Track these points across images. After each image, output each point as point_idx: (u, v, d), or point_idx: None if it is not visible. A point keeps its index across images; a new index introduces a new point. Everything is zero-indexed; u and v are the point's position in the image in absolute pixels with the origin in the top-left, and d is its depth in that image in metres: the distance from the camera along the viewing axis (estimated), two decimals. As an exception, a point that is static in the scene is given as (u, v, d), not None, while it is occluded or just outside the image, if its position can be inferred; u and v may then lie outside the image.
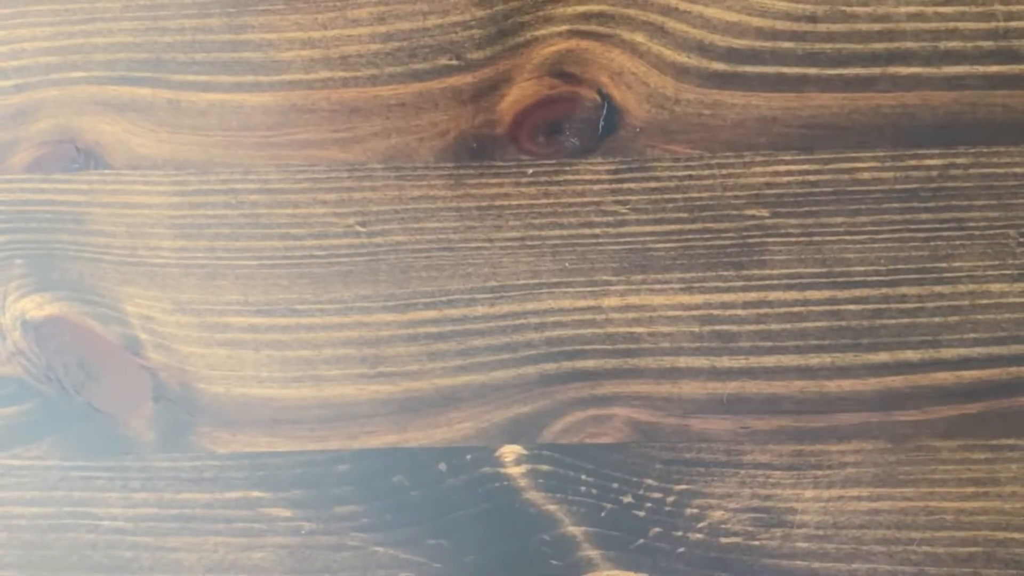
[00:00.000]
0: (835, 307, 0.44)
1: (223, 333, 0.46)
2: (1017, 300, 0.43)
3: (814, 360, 0.44)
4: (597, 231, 0.44)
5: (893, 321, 0.44)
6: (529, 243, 0.44)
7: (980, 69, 0.42)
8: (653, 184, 0.44)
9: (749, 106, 0.43)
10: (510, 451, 0.45)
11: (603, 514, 0.45)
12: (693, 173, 0.44)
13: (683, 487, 0.45)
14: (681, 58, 0.43)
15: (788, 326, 0.44)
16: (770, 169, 0.43)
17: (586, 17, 0.43)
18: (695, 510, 0.45)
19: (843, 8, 0.42)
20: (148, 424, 0.47)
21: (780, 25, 0.43)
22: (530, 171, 0.44)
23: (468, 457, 0.46)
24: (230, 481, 0.47)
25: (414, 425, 0.46)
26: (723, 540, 0.45)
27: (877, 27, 0.42)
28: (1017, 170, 0.43)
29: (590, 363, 0.45)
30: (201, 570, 0.47)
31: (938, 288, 0.44)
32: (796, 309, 0.44)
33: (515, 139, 0.44)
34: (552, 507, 0.46)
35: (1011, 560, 0.44)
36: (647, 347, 0.45)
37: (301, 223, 0.45)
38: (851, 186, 0.43)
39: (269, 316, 0.46)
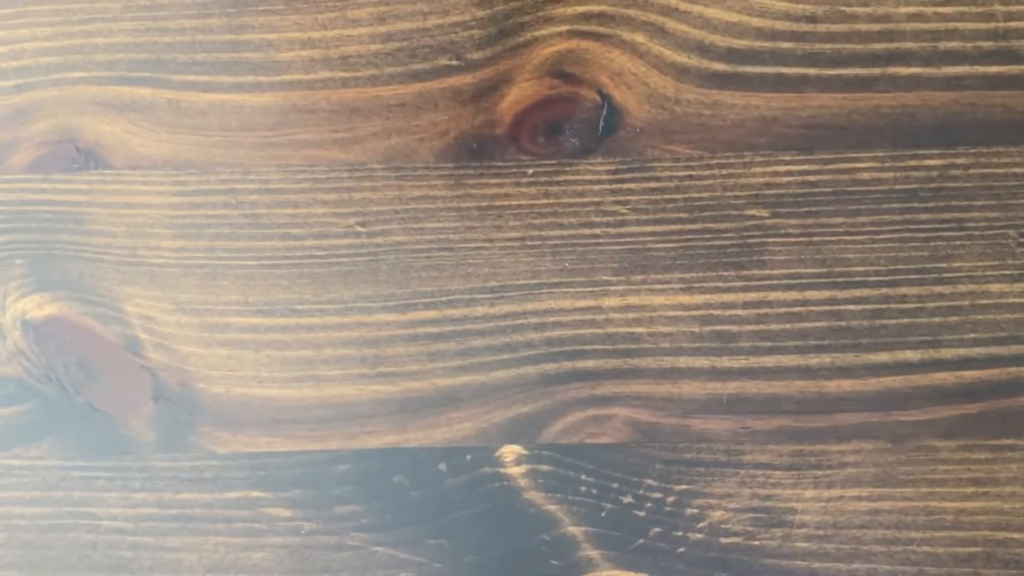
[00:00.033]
0: (835, 307, 0.44)
1: (223, 333, 0.46)
2: (1017, 300, 0.43)
3: (814, 360, 0.44)
4: (597, 231, 0.44)
5: (893, 321, 0.44)
6: (529, 243, 0.44)
7: (980, 69, 0.42)
8: (653, 184, 0.44)
9: (749, 106, 0.43)
10: (510, 451, 0.45)
11: (603, 514, 0.45)
12: (693, 173, 0.44)
13: (683, 487, 0.45)
14: (681, 58, 0.43)
15: (788, 326, 0.44)
16: (770, 169, 0.43)
17: (586, 17, 0.43)
18: (695, 510, 0.45)
19: (843, 8, 0.43)
20: (148, 424, 0.47)
21: (780, 25, 0.43)
22: (530, 171, 0.44)
23: (468, 457, 0.46)
24: (230, 481, 0.47)
25: (414, 425, 0.46)
26: (723, 540, 0.45)
27: (877, 27, 0.43)
28: (1017, 170, 0.43)
29: (590, 363, 0.45)
30: (201, 570, 0.47)
31: (938, 288, 0.44)
32: (796, 309, 0.44)
33: (515, 139, 0.44)
34: (552, 507, 0.46)
35: (1011, 560, 0.44)
36: (647, 347, 0.45)
37: (301, 223, 0.45)
38: (851, 186, 0.43)
39: (269, 316, 0.46)
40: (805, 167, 0.43)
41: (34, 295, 0.46)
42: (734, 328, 0.44)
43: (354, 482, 0.46)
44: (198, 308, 0.46)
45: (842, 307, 0.44)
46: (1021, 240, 0.43)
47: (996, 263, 0.43)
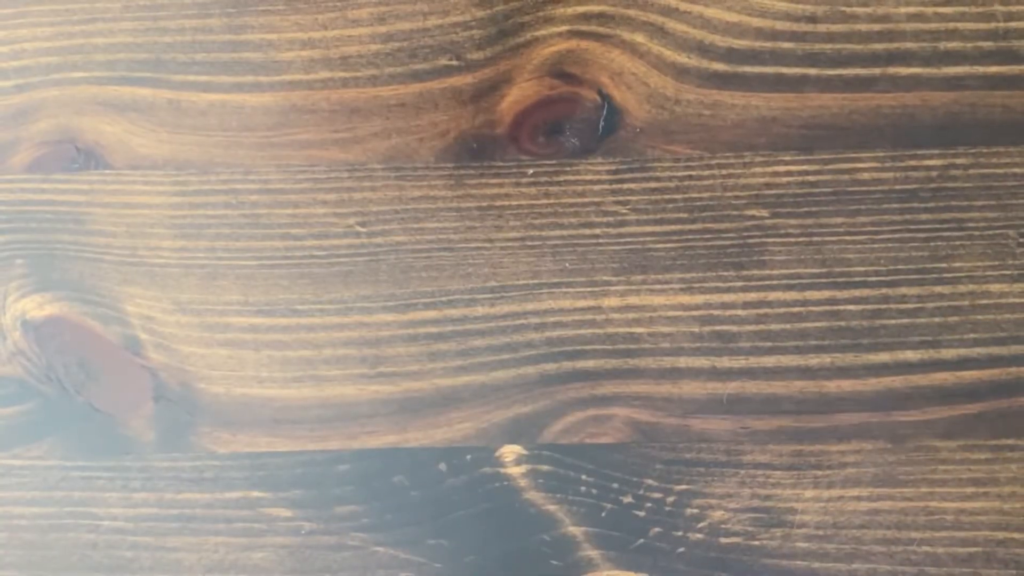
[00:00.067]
0: (835, 307, 0.44)
1: (223, 333, 0.46)
2: (1017, 300, 0.43)
3: (814, 360, 0.44)
4: (597, 231, 0.44)
5: (893, 321, 0.44)
6: (529, 243, 0.44)
7: (980, 69, 0.42)
8: (653, 184, 0.44)
9: (749, 106, 0.43)
10: (510, 451, 0.45)
11: (603, 514, 0.45)
12: (693, 173, 0.44)
13: (683, 487, 0.45)
14: (681, 58, 0.43)
15: (788, 326, 0.44)
16: (770, 169, 0.43)
17: (586, 17, 0.43)
18: (695, 510, 0.45)
19: (843, 8, 0.43)
20: (148, 424, 0.47)
21: (780, 25, 0.43)
22: (530, 171, 0.44)
23: (468, 457, 0.46)
24: (230, 481, 0.47)
25: (414, 425, 0.46)
26: (723, 540, 0.45)
27: (877, 27, 0.43)
28: (1017, 170, 0.43)
29: (590, 363, 0.45)
30: (201, 570, 0.47)
31: (938, 288, 0.44)
32: (796, 309, 0.44)
33: (515, 139, 0.44)
34: (552, 507, 0.46)
35: (1011, 560, 0.44)
36: (647, 347, 0.45)
37: (301, 223, 0.45)
38: (851, 186, 0.43)
39: (269, 316, 0.46)
40: (805, 167, 0.43)
41: (34, 295, 0.46)
42: (734, 328, 0.44)
43: (354, 482, 0.46)
44: (198, 308, 0.46)
45: (842, 307, 0.44)
46: (1021, 240, 0.43)
47: (996, 263, 0.43)
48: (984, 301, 0.43)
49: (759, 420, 0.45)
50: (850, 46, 0.43)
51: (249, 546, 0.47)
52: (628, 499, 0.45)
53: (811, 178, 0.43)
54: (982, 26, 0.42)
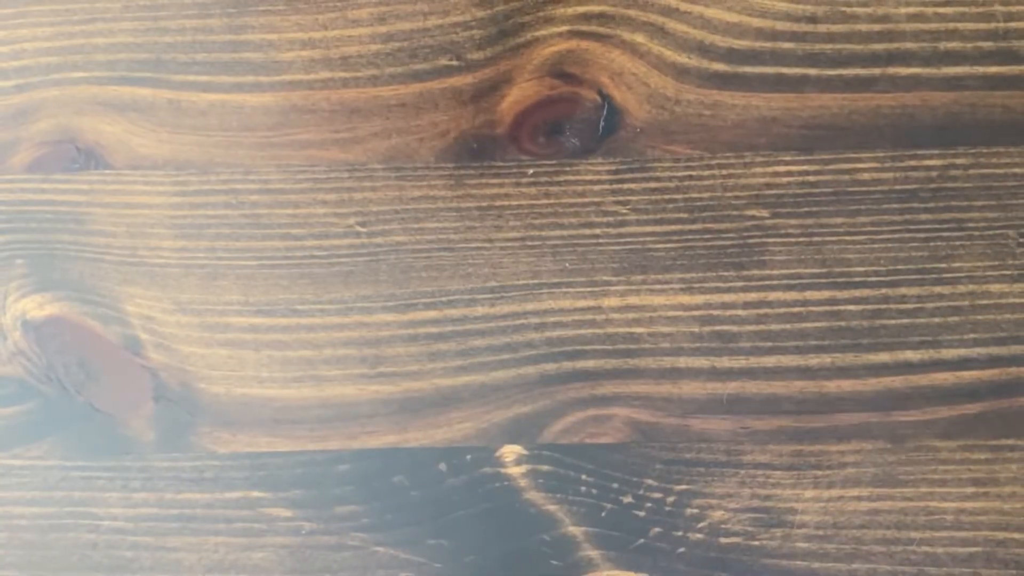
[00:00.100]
0: (835, 307, 0.44)
1: (224, 333, 0.46)
2: (1017, 300, 0.43)
3: (814, 360, 0.44)
4: (597, 231, 0.44)
5: (893, 321, 0.44)
6: (529, 243, 0.44)
7: (980, 70, 0.42)
8: (653, 184, 0.44)
9: (749, 107, 0.43)
10: (510, 451, 0.45)
11: (603, 514, 0.45)
12: (693, 173, 0.44)
13: (683, 487, 0.45)
14: (681, 59, 0.43)
15: (788, 326, 0.44)
16: (770, 170, 0.43)
17: (586, 18, 0.43)
18: (695, 510, 0.45)
19: (843, 9, 0.43)
20: (148, 424, 0.47)
21: (780, 26, 0.43)
22: (530, 171, 0.44)
23: (468, 457, 0.46)
24: (230, 481, 0.47)
25: (414, 425, 0.46)
26: (723, 540, 0.45)
27: (877, 28, 0.43)
28: (1016, 171, 0.43)
29: (590, 363, 0.45)
30: (201, 570, 0.47)
31: (938, 288, 0.44)
32: (796, 309, 0.44)
33: (515, 139, 0.44)
34: (552, 507, 0.46)
35: (1011, 560, 0.44)
36: (647, 347, 0.45)
37: (302, 223, 0.45)
38: (851, 187, 0.43)
39: (270, 316, 0.46)
40: (805, 167, 0.43)
41: (35, 295, 0.46)
42: (734, 328, 0.44)
43: (354, 482, 0.46)
44: (199, 308, 0.46)
45: (842, 307, 0.44)
46: (1021, 240, 0.43)
47: (996, 263, 0.43)
48: (984, 301, 0.43)
49: (759, 420, 0.45)
50: (850, 46, 0.43)
51: (249, 546, 0.47)
52: (628, 499, 0.45)
53: (811, 178, 0.43)
54: (982, 26, 0.42)
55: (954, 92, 0.43)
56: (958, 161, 0.43)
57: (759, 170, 0.43)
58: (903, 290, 0.44)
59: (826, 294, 0.44)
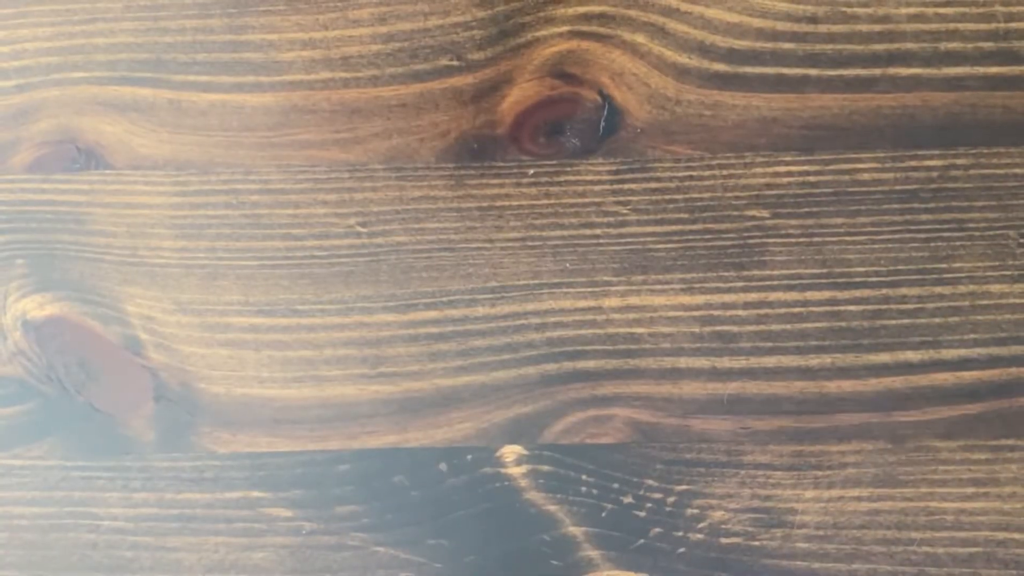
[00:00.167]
0: (835, 308, 0.44)
1: (224, 333, 0.46)
2: (1017, 301, 0.43)
3: (814, 361, 0.44)
4: (598, 231, 0.44)
5: (893, 322, 0.44)
6: (530, 243, 0.44)
7: (980, 70, 0.43)
8: (654, 185, 0.44)
9: (750, 107, 0.43)
10: (511, 451, 0.45)
11: (603, 514, 0.45)
12: (694, 174, 0.44)
13: (683, 487, 0.45)
14: (682, 59, 0.43)
15: (788, 327, 0.44)
16: (771, 170, 0.43)
17: (587, 18, 0.43)
18: (695, 510, 0.45)
19: (843, 9, 0.43)
20: (148, 424, 0.47)
21: (781, 26, 0.43)
22: (531, 172, 0.44)
23: (469, 457, 0.46)
24: (230, 481, 0.47)
25: (414, 425, 0.46)
26: (723, 540, 0.45)
27: (877, 28, 0.43)
28: (1017, 171, 0.43)
29: (591, 363, 0.45)
30: (201, 570, 0.47)
31: (938, 289, 0.44)
32: (796, 310, 0.44)
33: (516, 140, 0.44)
34: (552, 507, 0.46)
35: (1011, 560, 0.44)
36: (648, 347, 0.45)
37: (302, 223, 0.45)
38: (851, 187, 0.43)
39: (270, 316, 0.46)
40: (806, 168, 0.43)
41: (35, 295, 0.46)
42: (734, 328, 0.44)
43: (354, 482, 0.46)
44: (199, 308, 0.46)
45: (842, 308, 0.44)
46: (1021, 241, 0.43)
47: (996, 264, 0.43)
48: (984, 301, 0.43)
49: (759, 420, 0.45)
50: (851, 47, 0.43)
51: (249, 546, 0.47)
52: (628, 499, 0.45)
53: (812, 178, 0.43)
54: (982, 27, 0.42)
55: (955, 92, 0.43)
56: (959, 161, 0.43)
57: (759, 170, 0.43)
58: (904, 290, 0.44)
59: (827, 294, 0.44)
